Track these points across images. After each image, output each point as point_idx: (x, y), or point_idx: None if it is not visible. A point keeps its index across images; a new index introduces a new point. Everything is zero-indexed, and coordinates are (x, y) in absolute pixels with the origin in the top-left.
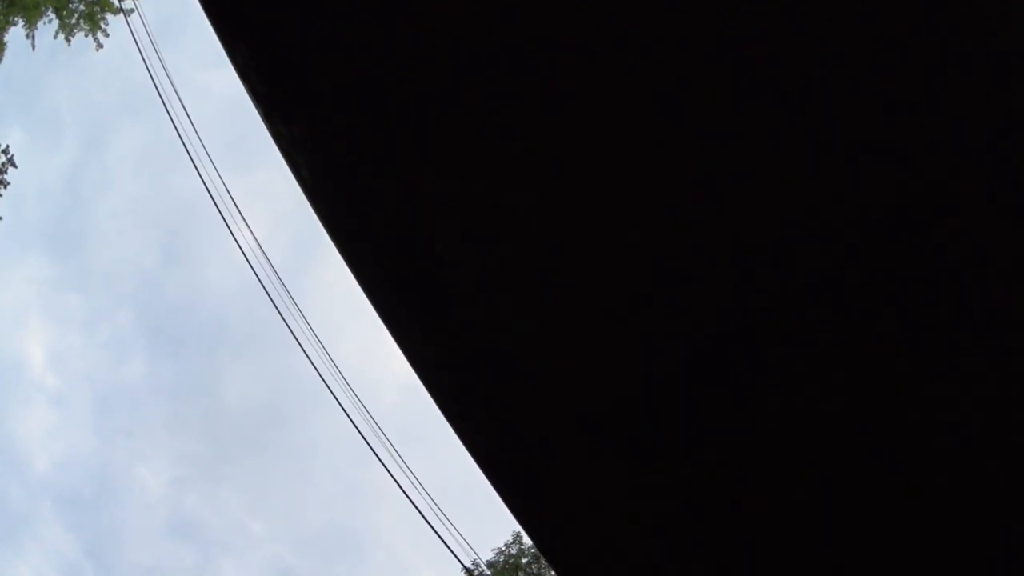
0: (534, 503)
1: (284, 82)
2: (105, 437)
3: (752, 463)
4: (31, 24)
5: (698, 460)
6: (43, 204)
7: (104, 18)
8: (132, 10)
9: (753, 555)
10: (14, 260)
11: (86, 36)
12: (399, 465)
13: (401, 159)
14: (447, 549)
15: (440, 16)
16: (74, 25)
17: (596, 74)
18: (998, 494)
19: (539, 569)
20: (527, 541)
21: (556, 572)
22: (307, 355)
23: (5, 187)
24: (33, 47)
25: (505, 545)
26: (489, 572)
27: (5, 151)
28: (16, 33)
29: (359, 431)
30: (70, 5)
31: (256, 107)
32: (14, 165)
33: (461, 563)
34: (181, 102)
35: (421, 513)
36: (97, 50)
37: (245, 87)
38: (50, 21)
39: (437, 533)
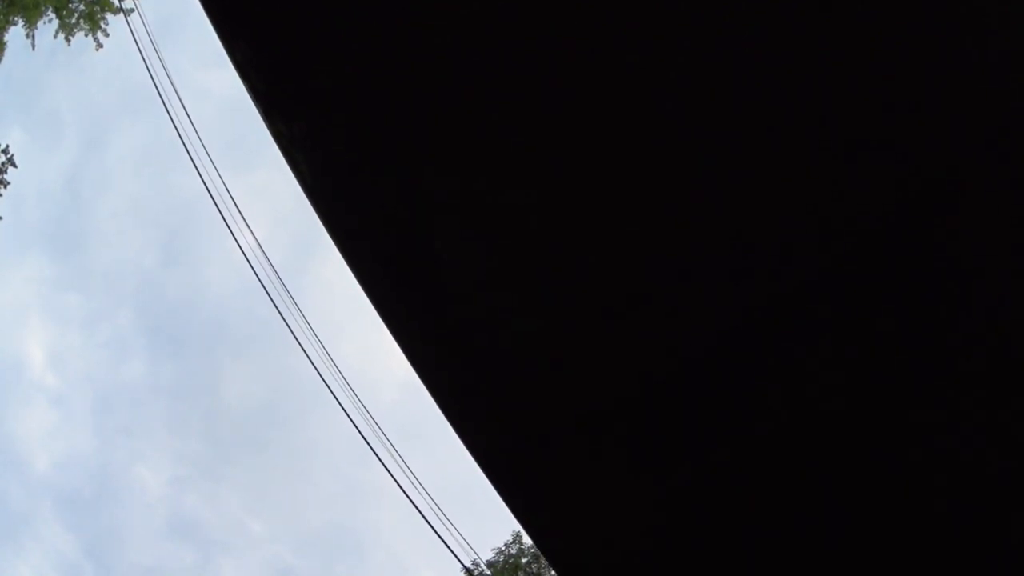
0: (534, 503)
1: (284, 80)
2: (105, 437)
3: (752, 462)
4: (31, 24)
5: (698, 460)
6: (43, 204)
7: (104, 18)
8: (132, 10)
9: (753, 554)
10: (14, 260)
11: (86, 36)
12: (399, 465)
13: (400, 157)
14: (447, 549)
15: (439, 15)
16: (74, 25)
17: (595, 72)
18: (998, 494)
19: (539, 569)
20: (527, 541)
21: (556, 572)
22: (307, 355)
23: (5, 187)
24: (33, 47)
25: (505, 545)
26: (489, 572)
27: (5, 151)
28: (16, 33)
29: (359, 431)
30: (70, 5)
31: (256, 105)
32: (14, 165)
33: (461, 563)
34: (181, 102)
35: (421, 513)
36: (97, 50)
37: (245, 85)
38: (50, 21)
39: (437, 533)
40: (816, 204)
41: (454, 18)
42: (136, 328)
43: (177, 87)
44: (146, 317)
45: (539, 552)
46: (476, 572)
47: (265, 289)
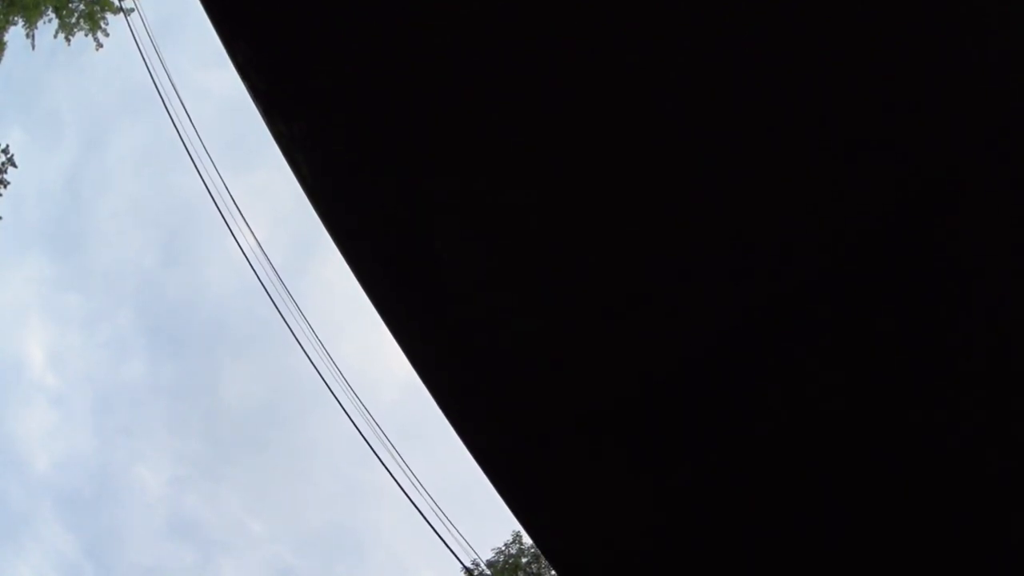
0: (534, 503)
1: (284, 80)
2: (105, 437)
3: (752, 462)
4: (31, 24)
5: (698, 460)
6: (43, 204)
7: (104, 18)
8: (132, 10)
9: (753, 554)
10: (14, 260)
11: (86, 36)
12: (399, 465)
13: (400, 157)
14: (447, 549)
15: (439, 15)
16: (74, 25)
17: (595, 72)
18: (998, 494)
19: (539, 569)
20: (527, 541)
21: (556, 572)
22: (307, 355)
23: (5, 187)
24: (33, 47)
25: (505, 545)
26: (489, 572)
27: (5, 151)
28: (16, 33)
29: (359, 431)
30: (70, 5)
31: (256, 105)
32: (14, 165)
33: (461, 563)
34: (181, 102)
35: (421, 513)
36: (97, 50)
37: (245, 85)
38: (50, 21)
39: (437, 533)
40: (816, 204)
41: (454, 18)
42: (136, 328)
43: (177, 87)
44: (146, 317)
45: (539, 552)
46: (476, 572)
47: (265, 289)
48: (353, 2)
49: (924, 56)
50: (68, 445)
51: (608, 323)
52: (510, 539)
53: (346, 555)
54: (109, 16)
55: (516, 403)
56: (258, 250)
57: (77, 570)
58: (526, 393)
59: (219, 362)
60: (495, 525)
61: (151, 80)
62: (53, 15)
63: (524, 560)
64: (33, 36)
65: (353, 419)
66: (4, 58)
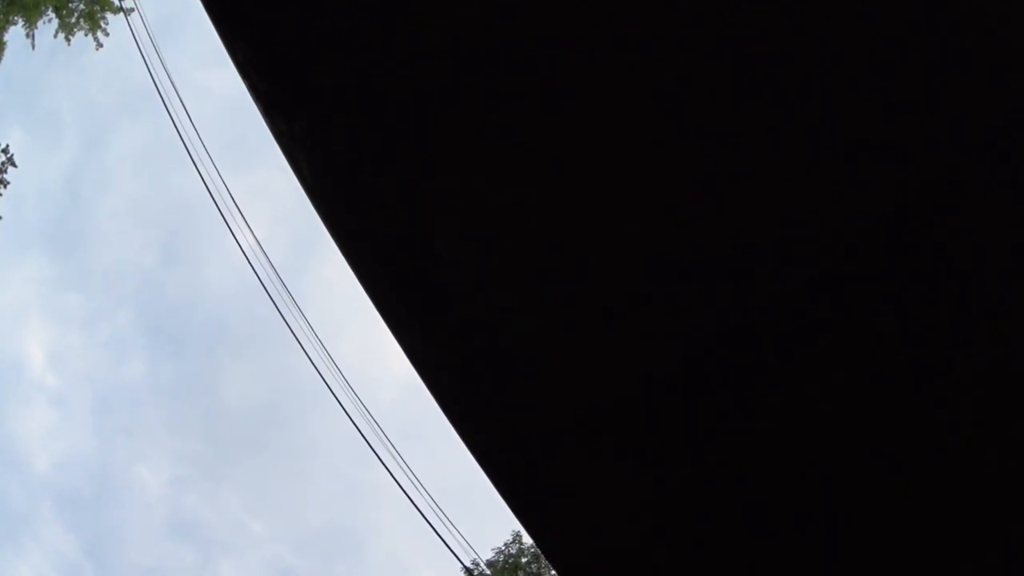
0: (534, 503)
1: (284, 79)
2: (105, 437)
3: (752, 462)
4: (31, 23)
5: (698, 460)
6: (43, 204)
7: (104, 17)
8: (132, 9)
9: (753, 554)
10: (14, 260)
11: (86, 35)
12: (399, 465)
13: (400, 157)
14: (447, 549)
15: (439, 15)
16: (74, 24)
17: (595, 72)
18: (998, 494)
19: (539, 569)
20: (527, 540)
21: (556, 572)
22: (307, 355)
23: (5, 187)
24: (33, 46)
25: (505, 545)
26: (489, 572)
27: (5, 151)
28: (16, 32)
29: (359, 431)
30: (70, 4)
31: (256, 104)
32: (14, 165)
33: (461, 563)
34: (181, 101)
35: (421, 513)
36: (97, 49)
37: (245, 84)
38: (50, 20)
39: (437, 533)
40: (816, 204)
41: (454, 18)
42: (136, 328)
43: (177, 87)
44: (146, 317)
45: (539, 552)
46: (476, 572)
47: (265, 289)
48: (353, 2)
49: (924, 56)
50: (68, 445)
51: (608, 323)
52: (510, 539)
53: (346, 555)
54: (109, 16)
55: (516, 403)
56: (258, 249)
57: (77, 570)
58: (526, 393)
59: (219, 362)
60: (495, 525)
61: (151, 80)
62: (53, 15)
63: (524, 560)
64: (33, 36)
65: (353, 419)
66: (4, 58)
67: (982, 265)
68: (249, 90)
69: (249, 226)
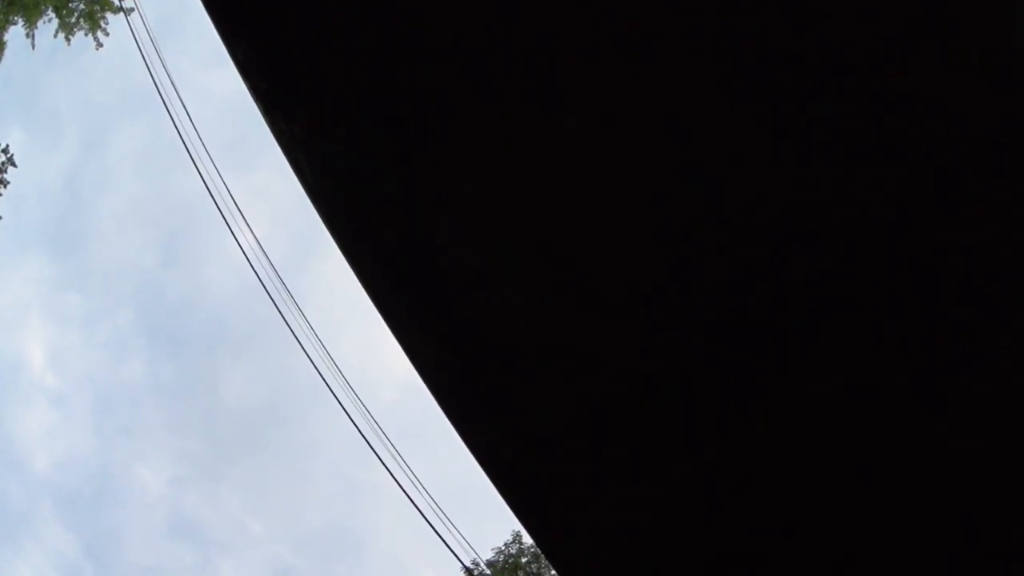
0: (534, 502)
1: (285, 79)
2: (105, 437)
3: (752, 463)
4: (31, 23)
5: (698, 459)
6: (43, 204)
7: (104, 17)
8: (132, 9)
9: (753, 555)
10: (14, 260)
11: (86, 35)
12: (399, 464)
13: (401, 157)
14: (447, 549)
15: (440, 14)
16: (74, 24)
17: (595, 72)
18: (998, 494)
19: (539, 569)
20: (527, 540)
21: (556, 572)
22: (307, 354)
23: (5, 187)
24: (33, 46)
25: (505, 545)
26: (489, 572)
27: (5, 151)
28: (16, 32)
29: (359, 431)
30: (70, 4)
31: (257, 104)
32: (14, 165)
33: (461, 562)
34: (182, 102)
35: (421, 513)
36: (97, 49)
37: (246, 84)
38: (50, 20)
39: (437, 533)
40: (817, 205)
41: (454, 17)
42: (136, 328)
43: (177, 87)
44: (146, 317)
45: (539, 552)
46: (476, 572)
47: (265, 289)
48: (353, 2)
49: (924, 56)
50: (68, 445)
51: (608, 323)
52: (510, 539)
53: (346, 555)
54: (109, 16)
55: (517, 403)
56: (258, 249)
57: (77, 570)
58: (527, 393)
59: (219, 362)
60: (495, 525)
61: (151, 80)
62: (53, 15)
63: (524, 560)
64: (33, 36)
65: (353, 419)
66: (4, 58)
67: (982, 265)
68: (249, 90)
69: (249, 226)
